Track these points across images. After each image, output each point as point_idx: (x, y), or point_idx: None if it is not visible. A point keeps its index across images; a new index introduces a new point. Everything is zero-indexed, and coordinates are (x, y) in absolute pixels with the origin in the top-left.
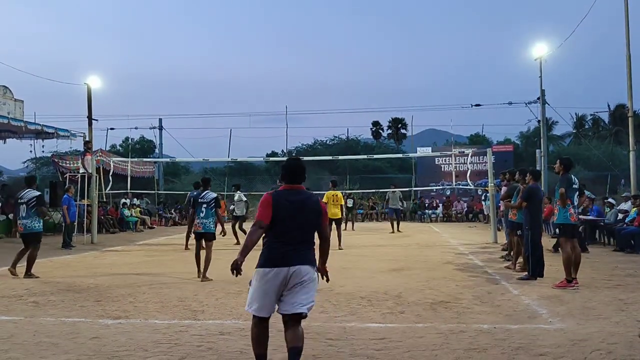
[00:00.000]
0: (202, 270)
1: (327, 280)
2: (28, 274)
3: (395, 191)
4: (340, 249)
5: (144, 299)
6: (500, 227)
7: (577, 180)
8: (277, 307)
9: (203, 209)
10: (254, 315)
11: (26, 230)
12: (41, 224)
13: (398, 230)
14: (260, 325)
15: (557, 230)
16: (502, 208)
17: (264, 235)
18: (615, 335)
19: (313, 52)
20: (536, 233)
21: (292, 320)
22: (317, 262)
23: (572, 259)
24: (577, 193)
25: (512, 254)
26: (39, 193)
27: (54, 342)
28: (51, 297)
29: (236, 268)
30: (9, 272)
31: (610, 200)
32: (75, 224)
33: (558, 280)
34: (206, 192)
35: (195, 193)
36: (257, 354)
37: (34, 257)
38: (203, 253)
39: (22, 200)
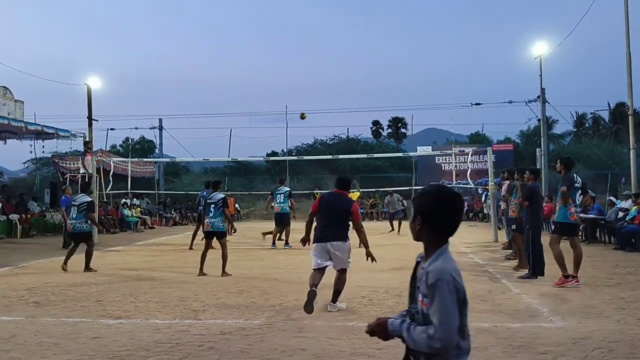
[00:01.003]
0: (217, 268)
1: (374, 260)
2: (88, 268)
3: (393, 195)
4: None
5: (145, 299)
6: (501, 226)
7: (579, 179)
8: (332, 263)
9: (212, 209)
10: (313, 268)
11: (74, 230)
12: (89, 224)
13: (398, 232)
14: (316, 272)
15: (554, 226)
16: (502, 207)
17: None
18: (616, 333)
19: (314, 51)
20: (536, 232)
21: (339, 272)
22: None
23: (562, 255)
24: (579, 192)
25: (513, 252)
26: (91, 199)
27: (55, 342)
28: (52, 297)
29: (303, 241)
30: (61, 268)
31: (611, 198)
32: None
33: (557, 279)
34: (215, 193)
35: (204, 193)
36: (311, 284)
37: (91, 253)
38: (212, 252)
39: (74, 203)
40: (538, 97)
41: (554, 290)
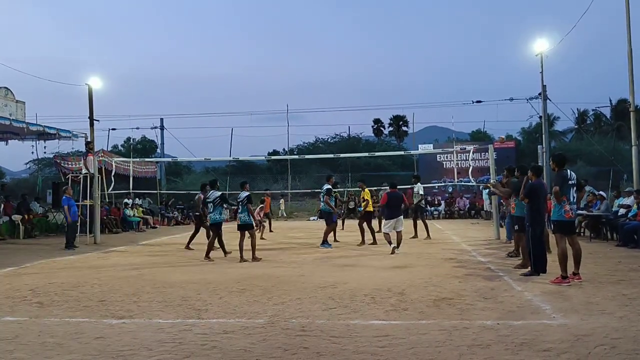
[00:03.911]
0: (250, 255)
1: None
2: (245, 257)
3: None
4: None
5: (148, 299)
6: (503, 224)
7: (574, 176)
8: (395, 228)
9: (240, 207)
10: (388, 232)
11: (212, 222)
12: (222, 216)
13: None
14: (390, 235)
15: (553, 225)
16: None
17: (386, 205)
18: (619, 330)
19: (315, 50)
20: (538, 229)
21: (398, 232)
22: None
23: (567, 255)
24: (575, 188)
25: (515, 250)
26: (221, 193)
27: (59, 342)
28: (55, 298)
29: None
30: (206, 259)
31: (601, 193)
32: (78, 224)
33: (555, 276)
34: (240, 192)
35: (206, 193)
36: (389, 240)
37: (222, 243)
38: (215, 255)
39: (209, 200)
40: (539, 94)
41: (556, 287)
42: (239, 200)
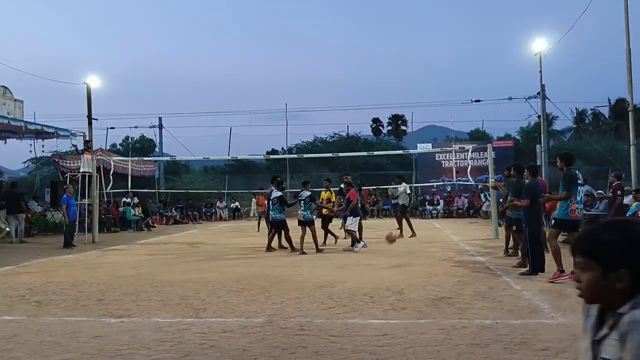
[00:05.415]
0: (316, 246)
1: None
2: (293, 248)
3: (396, 187)
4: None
5: (146, 298)
6: (501, 223)
7: (580, 175)
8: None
9: (302, 204)
10: (353, 230)
11: (272, 220)
12: (283, 214)
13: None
14: (354, 232)
15: (553, 222)
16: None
17: (357, 202)
18: None
19: (313, 49)
20: (535, 228)
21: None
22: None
23: (559, 249)
24: (581, 188)
25: (509, 248)
26: (281, 194)
27: (57, 341)
28: (53, 297)
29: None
30: (294, 250)
31: (600, 192)
32: (77, 223)
33: (551, 274)
34: (303, 191)
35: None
36: (355, 238)
37: (289, 238)
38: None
39: (271, 197)
40: (538, 93)
41: (555, 286)
42: (300, 198)
